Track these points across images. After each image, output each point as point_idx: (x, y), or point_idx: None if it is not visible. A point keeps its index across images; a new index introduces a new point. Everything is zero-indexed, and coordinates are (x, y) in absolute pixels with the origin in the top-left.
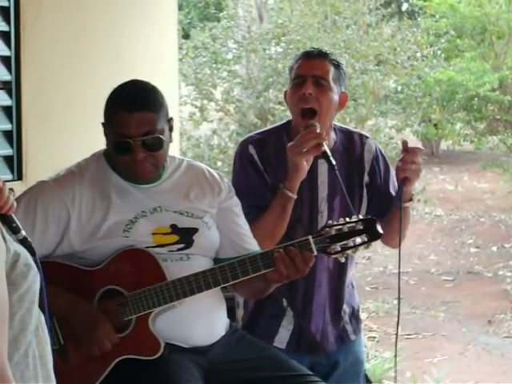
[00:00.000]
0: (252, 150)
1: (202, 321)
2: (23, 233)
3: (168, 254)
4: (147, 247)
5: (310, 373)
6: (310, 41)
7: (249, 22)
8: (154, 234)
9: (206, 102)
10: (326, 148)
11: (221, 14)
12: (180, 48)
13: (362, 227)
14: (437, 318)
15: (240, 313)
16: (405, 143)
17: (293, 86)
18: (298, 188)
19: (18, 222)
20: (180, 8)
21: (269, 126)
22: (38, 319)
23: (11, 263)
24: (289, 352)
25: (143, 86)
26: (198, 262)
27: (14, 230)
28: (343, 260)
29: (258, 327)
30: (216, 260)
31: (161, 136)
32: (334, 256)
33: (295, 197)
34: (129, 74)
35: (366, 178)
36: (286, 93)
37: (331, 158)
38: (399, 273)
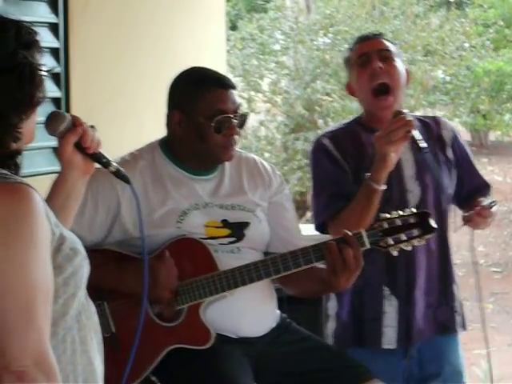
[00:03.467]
0: (326, 141)
1: (252, 312)
2: (114, 164)
3: (219, 246)
4: (199, 238)
5: (360, 363)
6: (357, 31)
7: (296, 12)
8: (206, 226)
9: (253, 93)
10: (414, 133)
11: (268, 5)
12: (227, 39)
13: (415, 221)
14: (485, 309)
15: (331, 326)
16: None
17: (358, 67)
18: None
19: (107, 156)
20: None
21: (337, 124)
22: (82, 305)
23: (56, 246)
24: (400, 351)
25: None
26: (248, 255)
27: (105, 165)
28: (395, 253)
29: (363, 335)
30: (265, 254)
31: (248, 112)
32: (386, 250)
33: (381, 188)
34: (177, 66)
35: (451, 155)
36: (348, 86)
37: (420, 142)
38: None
